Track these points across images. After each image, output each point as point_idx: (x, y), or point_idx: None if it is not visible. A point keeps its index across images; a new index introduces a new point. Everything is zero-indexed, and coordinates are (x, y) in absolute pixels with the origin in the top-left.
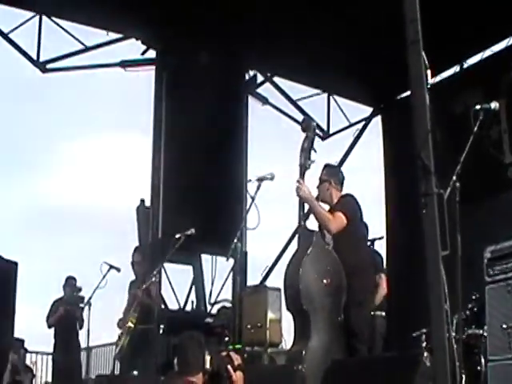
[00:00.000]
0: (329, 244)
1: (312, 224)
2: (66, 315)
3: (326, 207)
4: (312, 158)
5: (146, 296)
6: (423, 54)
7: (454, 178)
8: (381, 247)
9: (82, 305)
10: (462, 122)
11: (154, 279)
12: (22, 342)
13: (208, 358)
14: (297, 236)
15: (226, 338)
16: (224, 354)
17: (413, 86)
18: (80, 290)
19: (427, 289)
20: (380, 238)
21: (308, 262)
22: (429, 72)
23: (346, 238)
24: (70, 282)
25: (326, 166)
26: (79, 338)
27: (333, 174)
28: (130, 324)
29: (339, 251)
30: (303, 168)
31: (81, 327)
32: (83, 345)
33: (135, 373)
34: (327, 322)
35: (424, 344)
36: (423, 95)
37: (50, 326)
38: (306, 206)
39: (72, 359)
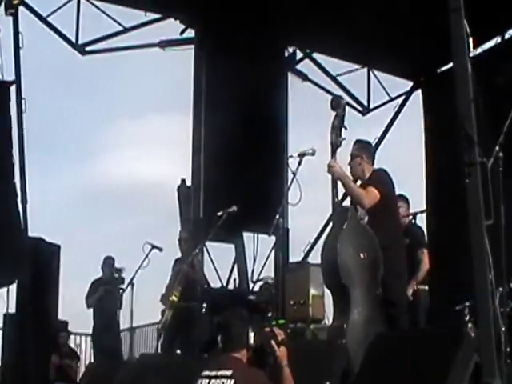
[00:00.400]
0: (362, 219)
1: (346, 201)
2: (106, 295)
3: (358, 183)
4: (343, 135)
5: (191, 270)
6: (465, 21)
7: (497, 148)
8: (422, 221)
9: (122, 286)
10: (504, 93)
11: (197, 252)
12: (65, 323)
13: (252, 334)
14: (331, 212)
15: (269, 314)
16: (267, 329)
17: (455, 53)
18: (120, 270)
19: (470, 260)
20: (421, 212)
21: (344, 237)
22: (471, 40)
23: (380, 212)
24: (108, 261)
25: (357, 142)
26: (118, 318)
27: (364, 148)
28: (173, 298)
29: (373, 225)
30: (334, 146)
31: (120, 307)
32: (126, 325)
33: (178, 351)
34: (366, 295)
35: (468, 317)
36: (465, 63)
37: (89, 307)
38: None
39: (111, 339)
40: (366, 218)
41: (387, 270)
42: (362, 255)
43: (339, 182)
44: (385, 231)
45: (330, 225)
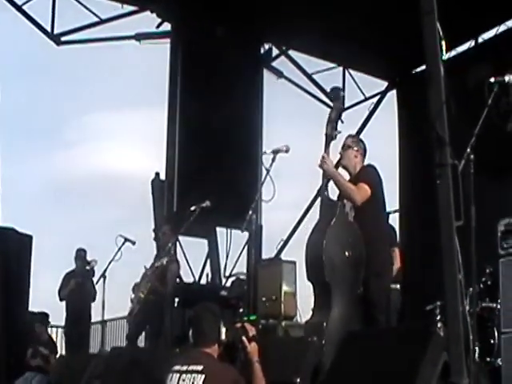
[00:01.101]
0: (349, 215)
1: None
2: (77, 288)
3: (345, 175)
4: (338, 128)
5: (157, 281)
6: (438, 25)
7: (469, 150)
8: (394, 220)
9: (93, 278)
10: (475, 95)
11: (165, 261)
12: (46, 315)
13: (223, 329)
14: (319, 206)
15: (241, 310)
16: (239, 325)
17: (428, 56)
18: (90, 262)
19: (441, 261)
20: (394, 212)
21: (331, 233)
22: (443, 44)
23: (368, 209)
24: (80, 254)
25: (351, 136)
26: (90, 310)
27: (359, 143)
28: (140, 294)
29: (360, 222)
30: (329, 138)
31: (93, 299)
32: (98, 318)
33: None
34: (347, 294)
35: (438, 317)
36: (438, 66)
37: (61, 299)
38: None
39: (82, 332)
40: (352, 214)
41: (370, 269)
42: (347, 253)
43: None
44: (371, 228)
45: (317, 217)
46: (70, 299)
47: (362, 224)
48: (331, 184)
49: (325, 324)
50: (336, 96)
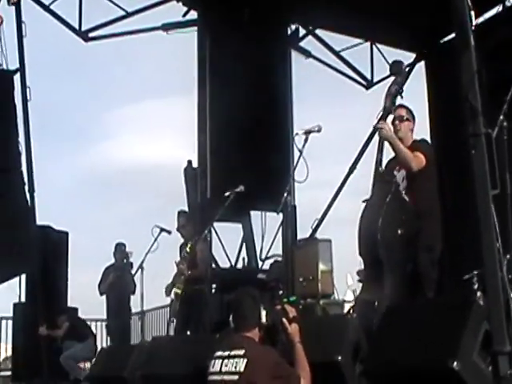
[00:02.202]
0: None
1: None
2: (116, 281)
3: None
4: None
5: (189, 268)
6: None
7: (501, 117)
8: None
9: (131, 270)
10: (505, 61)
11: (188, 248)
12: (75, 310)
13: (263, 312)
14: (372, 181)
15: (280, 292)
16: (278, 307)
17: (457, 27)
18: (128, 255)
19: (478, 229)
20: None
21: (387, 211)
22: (472, 13)
23: (422, 181)
24: (120, 248)
25: (405, 107)
26: (130, 303)
27: (413, 117)
28: (176, 290)
29: (412, 190)
30: (386, 111)
31: (133, 292)
32: (137, 309)
33: (188, 333)
34: (399, 273)
35: (476, 286)
36: (468, 37)
37: (101, 294)
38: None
39: (124, 324)
40: (405, 184)
41: (420, 243)
42: (400, 231)
43: (387, 144)
44: (422, 198)
45: (371, 194)
46: (110, 293)
47: (414, 193)
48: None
49: (376, 303)
50: (397, 69)
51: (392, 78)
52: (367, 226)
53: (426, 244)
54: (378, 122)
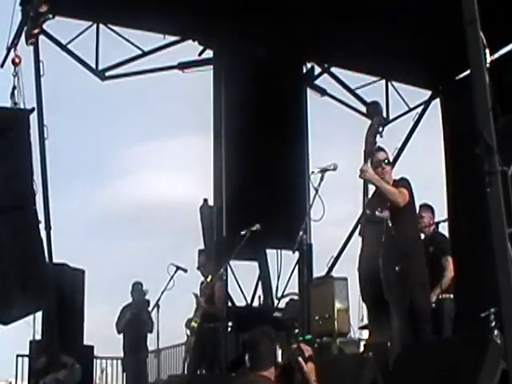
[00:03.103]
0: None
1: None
2: (133, 319)
3: None
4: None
5: (207, 305)
6: (481, 33)
7: None
8: (444, 230)
9: (148, 308)
10: None
11: (209, 279)
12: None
13: (279, 352)
14: (361, 223)
15: (296, 331)
16: (294, 346)
17: (472, 65)
18: (145, 293)
19: (495, 267)
20: (444, 221)
21: (384, 250)
22: (487, 51)
23: (406, 218)
24: (137, 287)
25: (383, 149)
26: (147, 341)
27: (388, 157)
28: (193, 324)
29: (397, 229)
30: (368, 153)
31: (150, 331)
32: (153, 347)
33: (203, 371)
34: (401, 309)
35: (493, 324)
36: (483, 74)
37: (119, 332)
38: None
39: (140, 362)
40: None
41: (415, 280)
42: (397, 268)
43: (371, 186)
44: (408, 236)
45: (363, 236)
46: (127, 331)
47: (399, 231)
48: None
49: (389, 344)
50: (374, 111)
51: (410, 116)
52: (367, 267)
53: (419, 281)
54: (361, 167)
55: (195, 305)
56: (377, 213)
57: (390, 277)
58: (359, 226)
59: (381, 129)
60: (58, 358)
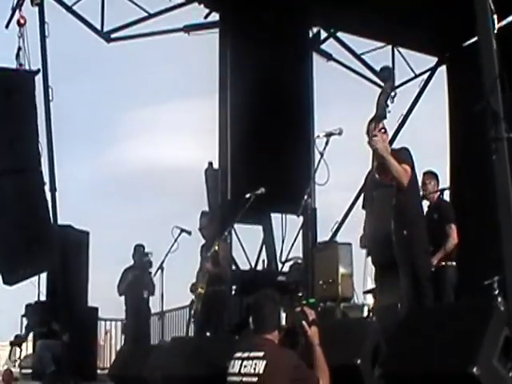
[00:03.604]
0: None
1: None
2: (135, 281)
3: None
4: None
5: (212, 267)
6: None
7: None
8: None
9: (150, 270)
10: None
11: (217, 245)
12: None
13: (283, 315)
14: (368, 187)
15: (300, 294)
16: (298, 309)
17: (480, 32)
18: (148, 254)
19: (497, 235)
20: (447, 189)
21: (394, 215)
22: (495, 17)
23: (411, 190)
24: (139, 249)
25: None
26: (149, 303)
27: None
28: (200, 290)
29: (404, 202)
30: (379, 118)
31: (152, 293)
32: (157, 309)
33: (208, 334)
34: (408, 272)
35: (497, 291)
36: (491, 41)
37: (120, 294)
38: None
39: (142, 324)
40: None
41: (420, 246)
42: (405, 232)
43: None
44: (412, 207)
45: (371, 201)
46: (129, 293)
47: (405, 203)
48: None
49: (399, 305)
50: (386, 76)
51: (416, 82)
52: (378, 231)
53: (424, 247)
54: (372, 133)
55: (199, 265)
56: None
57: (400, 240)
58: (361, 197)
59: (392, 94)
60: (50, 324)
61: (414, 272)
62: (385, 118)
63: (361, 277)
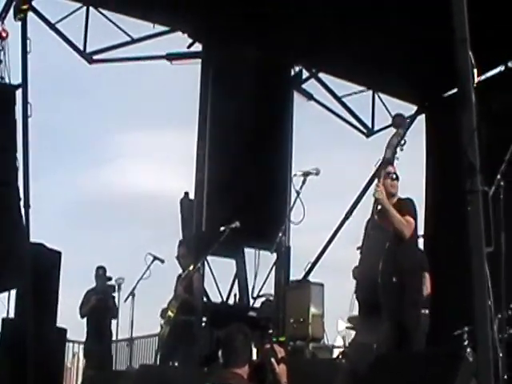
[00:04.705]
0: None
1: None
2: (98, 305)
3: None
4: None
5: (185, 293)
6: (470, 53)
7: (499, 176)
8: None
9: (113, 294)
10: (505, 121)
11: (192, 272)
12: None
13: (254, 350)
14: (366, 228)
15: (270, 331)
16: (268, 346)
17: (460, 84)
18: (110, 279)
19: (471, 285)
20: (422, 236)
21: (387, 257)
22: (475, 71)
23: (409, 241)
24: (100, 271)
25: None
26: (111, 327)
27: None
28: (169, 313)
29: (400, 251)
30: (387, 163)
31: (114, 317)
32: (126, 335)
33: (175, 363)
34: (393, 319)
35: (467, 342)
36: (470, 93)
37: (82, 316)
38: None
39: (103, 349)
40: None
41: (408, 297)
42: (394, 279)
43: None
44: (410, 258)
45: (364, 239)
46: (91, 316)
47: (404, 253)
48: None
49: (375, 346)
50: (401, 123)
51: (393, 130)
52: (368, 270)
53: (413, 299)
54: (377, 184)
55: (174, 293)
56: None
57: (388, 285)
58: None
59: (403, 141)
60: None
61: (399, 321)
62: (392, 163)
63: (332, 317)
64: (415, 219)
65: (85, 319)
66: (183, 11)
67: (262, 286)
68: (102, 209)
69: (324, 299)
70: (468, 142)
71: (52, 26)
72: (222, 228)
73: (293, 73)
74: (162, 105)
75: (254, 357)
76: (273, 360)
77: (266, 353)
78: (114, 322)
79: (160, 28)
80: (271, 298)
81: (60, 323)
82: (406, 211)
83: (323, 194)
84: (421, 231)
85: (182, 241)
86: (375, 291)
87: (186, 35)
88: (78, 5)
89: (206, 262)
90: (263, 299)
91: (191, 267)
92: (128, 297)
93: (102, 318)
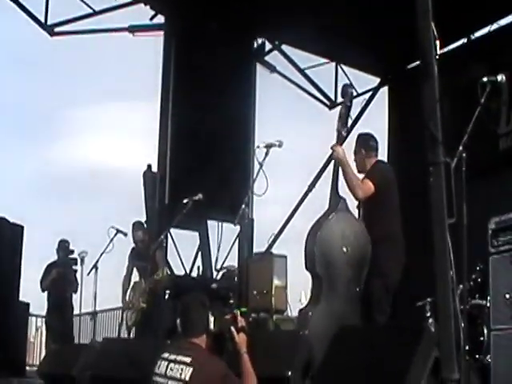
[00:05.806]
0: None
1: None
2: (58, 278)
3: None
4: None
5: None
6: (432, 24)
7: (461, 148)
8: None
9: (75, 267)
10: (467, 93)
11: (161, 273)
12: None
13: (212, 319)
14: (328, 199)
15: (231, 302)
16: (228, 316)
17: (422, 55)
18: (72, 252)
19: (433, 257)
20: None
21: (328, 227)
22: (438, 42)
23: (374, 207)
24: (63, 245)
25: (359, 136)
26: (72, 300)
27: (364, 142)
28: (142, 305)
29: (367, 219)
30: (339, 133)
31: (74, 291)
32: (89, 309)
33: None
34: (344, 290)
35: (428, 313)
36: (432, 65)
37: (43, 290)
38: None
39: (65, 321)
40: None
41: (372, 268)
42: (345, 249)
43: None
44: (378, 226)
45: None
46: (52, 289)
47: (370, 222)
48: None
49: (310, 314)
50: (345, 93)
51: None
52: (308, 239)
53: (377, 270)
54: (333, 145)
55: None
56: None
57: (332, 255)
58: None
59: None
60: None
61: (364, 293)
62: (343, 134)
63: (295, 289)
64: (377, 183)
65: (46, 293)
66: None
67: (225, 259)
68: (65, 183)
69: (287, 271)
70: (430, 113)
71: None
72: (185, 200)
73: (256, 45)
74: (124, 78)
75: (213, 326)
76: (232, 329)
77: (225, 322)
78: (76, 295)
79: (122, 0)
80: (232, 269)
81: (23, 297)
82: (367, 175)
83: (286, 166)
84: None
85: (135, 223)
86: (312, 261)
87: (148, 7)
88: None
89: (169, 235)
90: (225, 270)
91: (160, 275)
92: (91, 270)
93: (62, 292)
